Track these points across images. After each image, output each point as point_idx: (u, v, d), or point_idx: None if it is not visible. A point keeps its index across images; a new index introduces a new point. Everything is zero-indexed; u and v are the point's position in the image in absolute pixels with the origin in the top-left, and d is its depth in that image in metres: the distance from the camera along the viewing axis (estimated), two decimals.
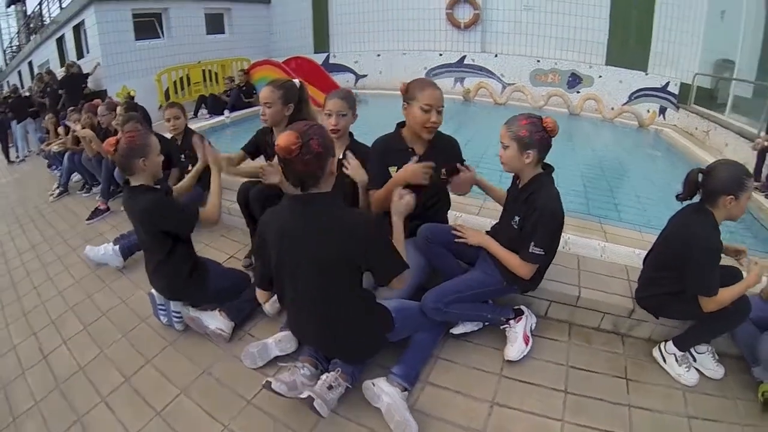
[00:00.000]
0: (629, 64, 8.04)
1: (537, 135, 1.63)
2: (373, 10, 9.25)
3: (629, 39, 7.88)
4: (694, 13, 7.16)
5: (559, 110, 8.05)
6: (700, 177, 1.66)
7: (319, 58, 9.32)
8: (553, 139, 1.69)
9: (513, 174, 1.84)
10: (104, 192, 3.62)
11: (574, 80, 8.60)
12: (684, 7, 7.22)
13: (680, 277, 1.69)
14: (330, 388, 1.50)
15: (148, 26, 8.22)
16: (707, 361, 1.83)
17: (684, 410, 1.64)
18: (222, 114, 7.10)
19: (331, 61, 9.53)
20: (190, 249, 2.05)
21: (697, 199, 1.72)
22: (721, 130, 5.89)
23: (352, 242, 1.38)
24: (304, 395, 1.45)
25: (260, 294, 1.71)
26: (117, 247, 2.74)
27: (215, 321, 1.98)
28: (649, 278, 1.93)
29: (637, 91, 8.17)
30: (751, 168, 4.39)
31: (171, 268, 1.96)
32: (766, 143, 4.10)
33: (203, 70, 8.23)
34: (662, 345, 1.88)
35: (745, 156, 5.09)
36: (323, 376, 1.56)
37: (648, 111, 7.82)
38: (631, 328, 2.02)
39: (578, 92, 8.40)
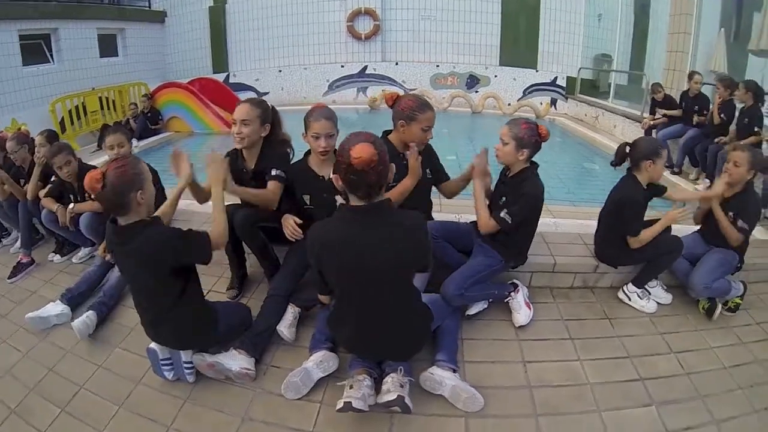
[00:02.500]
0: (521, 63, 9.56)
1: (533, 138, 2.11)
2: (273, 26, 9.56)
3: (519, 41, 9.39)
4: (574, 17, 9.05)
5: (462, 110, 9.19)
6: (627, 148, 2.34)
7: (218, 79, 9.28)
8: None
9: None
10: (25, 242, 3.20)
11: (472, 81, 9.87)
12: (565, 11, 9.07)
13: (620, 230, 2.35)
14: (402, 386, 1.65)
15: (35, 49, 7.36)
16: (659, 292, 2.51)
17: (655, 330, 2.27)
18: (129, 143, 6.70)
19: (231, 80, 9.54)
20: (200, 287, 1.93)
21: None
22: (609, 114, 7.37)
23: (413, 245, 1.54)
24: (392, 396, 1.59)
25: (322, 297, 1.90)
26: (66, 305, 2.47)
27: (237, 361, 1.88)
28: (602, 238, 2.57)
29: (530, 86, 9.73)
30: None
31: (181, 314, 1.80)
32: (651, 122, 5.32)
33: (100, 97, 7.65)
34: (624, 287, 2.51)
35: (632, 134, 6.48)
36: (388, 379, 1.68)
37: (541, 103, 9.33)
38: (597, 280, 2.64)
39: (477, 92, 9.65)
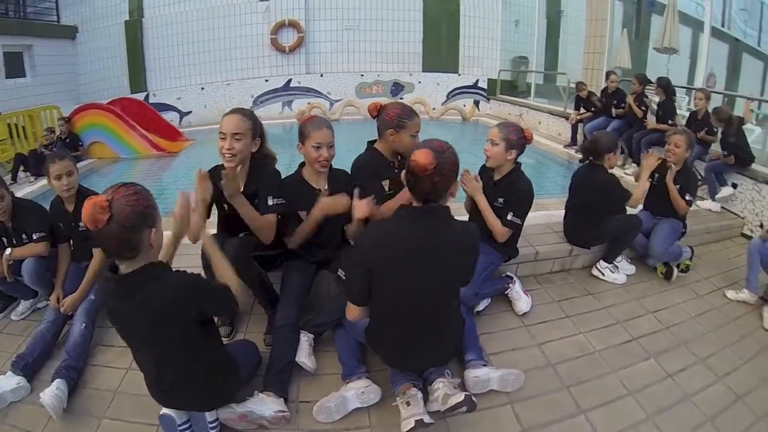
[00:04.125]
0: (443, 68, 10.29)
1: (521, 141, 2.40)
2: (193, 41, 9.29)
3: (441, 47, 10.11)
4: (492, 23, 10.03)
5: None
6: (590, 144, 2.78)
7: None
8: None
9: (481, 171, 2.61)
10: None
11: (397, 88, 10.42)
12: (483, 18, 10.03)
13: (602, 212, 2.77)
14: (456, 387, 1.76)
15: None
16: (624, 265, 2.98)
17: (631, 296, 2.72)
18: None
19: (151, 100, 9.04)
20: (220, 336, 1.78)
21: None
22: (533, 112, 8.23)
23: (467, 251, 1.63)
24: (460, 398, 1.65)
25: (353, 310, 1.71)
26: (21, 376, 2.04)
27: (269, 405, 1.77)
28: (573, 224, 2.99)
29: (453, 90, 10.50)
30: (567, 136, 6.54)
31: (203, 371, 1.60)
32: (578, 117, 6.10)
33: (8, 124, 6.83)
34: (597, 265, 2.95)
35: (557, 129, 7.34)
36: (439, 385, 1.75)
37: (465, 105, 10.12)
38: (572, 263, 3.06)
39: (402, 98, 10.18)
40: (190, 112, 9.35)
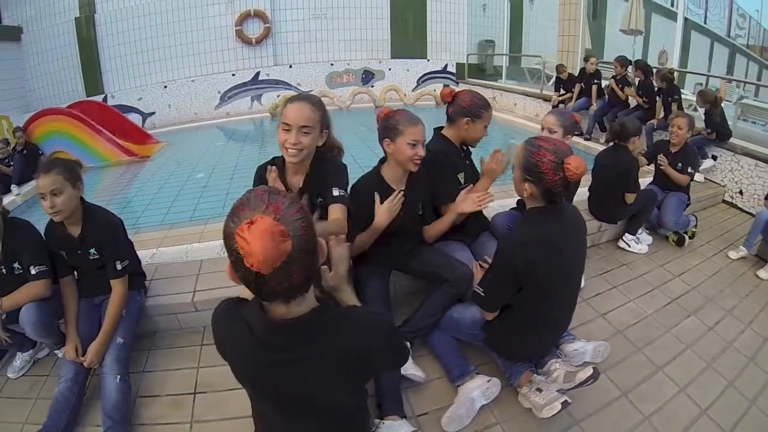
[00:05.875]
0: (412, 54, 10.52)
1: (574, 126, 2.57)
2: (153, 36, 8.83)
3: (409, 33, 10.30)
4: (458, 7, 10.34)
5: (365, 105, 9.82)
6: (618, 128, 3.17)
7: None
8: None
9: None
10: None
11: (367, 76, 10.55)
12: (450, 2, 10.30)
13: (625, 190, 3.18)
14: (572, 364, 1.95)
15: None
16: (644, 236, 3.43)
17: (656, 264, 3.16)
18: (9, 191, 5.64)
19: (110, 102, 8.56)
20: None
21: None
22: (507, 94, 8.67)
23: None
24: (589, 371, 1.77)
25: (489, 315, 1.82)
26: None
27: (398, 430, 1.69)
28: (600, 202, 3.37)
29: (423, 75, 10.79)
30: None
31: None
32: (559, 98, 6.57)
33: None
34: (623, 238, 3.37)
35: (534, 110, 7.82)
36: (556, 365, 1.89)
37: (435, 90, 10.42)
38: (601, 237, 3.47)
39: (373, 86, 10.35)
40: (153, 113, 8.98)
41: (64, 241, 2.01)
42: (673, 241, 3.42)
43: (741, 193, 4.21)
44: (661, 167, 3.47)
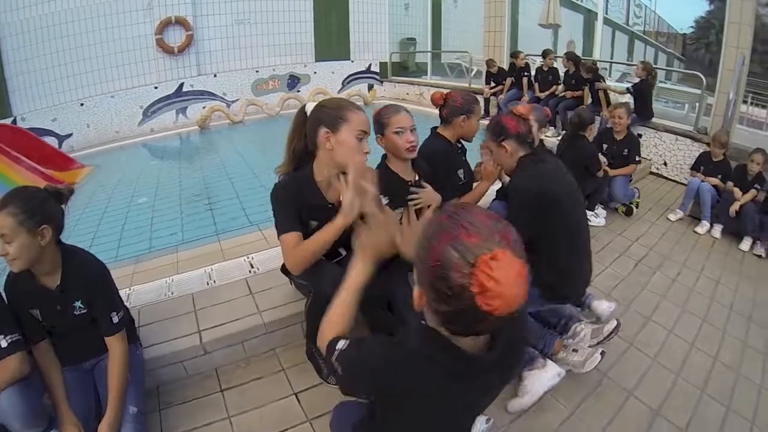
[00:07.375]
0: (336, 56, 10.64)
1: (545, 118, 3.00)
2: (65, 48, 7.86)
3: (332, 35, 10.39)
4: (379, 7, 10.63)
5: (294, 111, 9.74)
6: (577, 119, 3.61)
7: None
8: None
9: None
10: None
11: (293, 81, 10.49)
12: (371, 3, 10.55)
13: (585, 172, 3.65)
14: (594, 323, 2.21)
15: None
16: (600, 211, 3.94)
17: (615, 233, 3.68)
18: None
19: (20, 125, 7.55)
20: None
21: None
22: (435, 90, 9.09)
23: None
24: (614, 323, 2.08)
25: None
26: None
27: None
28: None
29: (348, 77, 10.96)
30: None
31: None
32: (490, 92, 7.10)
33: None
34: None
35: None
36: (581, 326, 2.11)
37: (368, 90, 10.71)
38: None
39: (299, 91, 10.34)
40: (70, 134, 8.10)
41: (36, 296, 1.58)
42: (623, 211, 3.98)
43: (665, 164, 4.97)
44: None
